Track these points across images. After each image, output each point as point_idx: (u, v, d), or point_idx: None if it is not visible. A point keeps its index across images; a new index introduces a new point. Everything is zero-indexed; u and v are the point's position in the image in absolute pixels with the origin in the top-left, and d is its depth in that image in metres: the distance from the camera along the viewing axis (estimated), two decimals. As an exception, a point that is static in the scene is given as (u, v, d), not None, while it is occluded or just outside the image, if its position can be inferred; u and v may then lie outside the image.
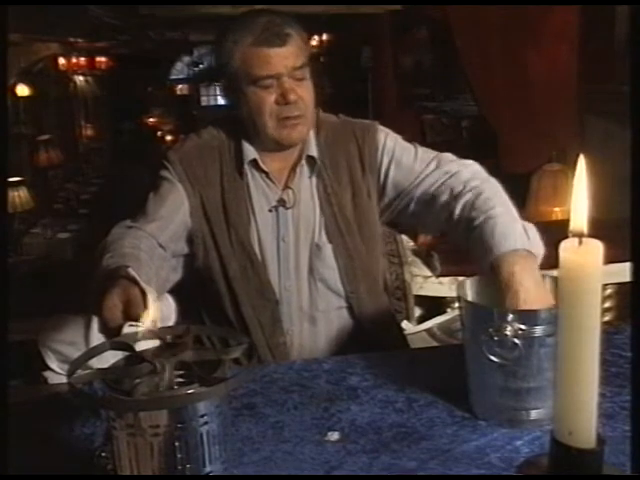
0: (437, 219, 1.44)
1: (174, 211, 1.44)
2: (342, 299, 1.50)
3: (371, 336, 1.51)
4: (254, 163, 1.48)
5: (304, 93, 1.42)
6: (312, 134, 1.50)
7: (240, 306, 1.46)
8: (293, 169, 1.49)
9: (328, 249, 1.47)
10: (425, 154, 1.49)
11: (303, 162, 1.49)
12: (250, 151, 1.47)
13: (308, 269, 1.48)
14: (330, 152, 1.50)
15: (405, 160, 1.48)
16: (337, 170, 1.49)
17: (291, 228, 1.47)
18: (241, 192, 1.47)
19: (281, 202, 1.48)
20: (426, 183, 1.45)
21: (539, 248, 1.23)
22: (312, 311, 1.49)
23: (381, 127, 1.54)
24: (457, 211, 1.36)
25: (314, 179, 1.49)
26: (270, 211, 1.48)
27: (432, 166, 1.46)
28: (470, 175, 1.41)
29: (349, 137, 1.51)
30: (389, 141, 1.51)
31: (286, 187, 1.49)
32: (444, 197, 1.41)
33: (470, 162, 1.46)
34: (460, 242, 1.38)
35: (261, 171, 1.48)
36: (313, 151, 1.48)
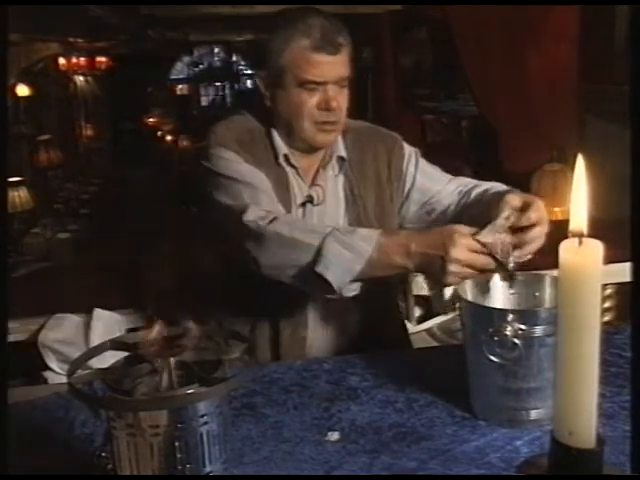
0: (457, 207, 1.49)
1: (263, 182, 1.40)
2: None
3: (377, 332, 1.51)
4: (285, 157, 1.47)
5: (343, 101, 1.44)
6: (339, 135, 1.51)
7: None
8: (322, 167, 1.50)
9: None
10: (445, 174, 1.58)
11: (334, 161, 1.50)
12: (281, 146, 1.47)
13: None
14: (357, 154, 1.52)
15: (428, 169, 1.56)
16: (364, 172, 1.52)
17: None
18: (284, 179, 1.45)
19: (309, 198, 1.48)
20: (453, 192, 1.51)
21: None
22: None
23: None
24: (474, 192, 1.45)
25: (341, 178, 1.51)
26: (302, 206, 1.47)
27: (455, 181, 1.54)
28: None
29: (379, 140, 1.55)
30: (414, 153, 1.57)
31: (313, 184, 1.49)
32: (465, 189, 1.49)
33: None
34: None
35: (292, 166, 1.48)
36: (342, 152, 1.51)
